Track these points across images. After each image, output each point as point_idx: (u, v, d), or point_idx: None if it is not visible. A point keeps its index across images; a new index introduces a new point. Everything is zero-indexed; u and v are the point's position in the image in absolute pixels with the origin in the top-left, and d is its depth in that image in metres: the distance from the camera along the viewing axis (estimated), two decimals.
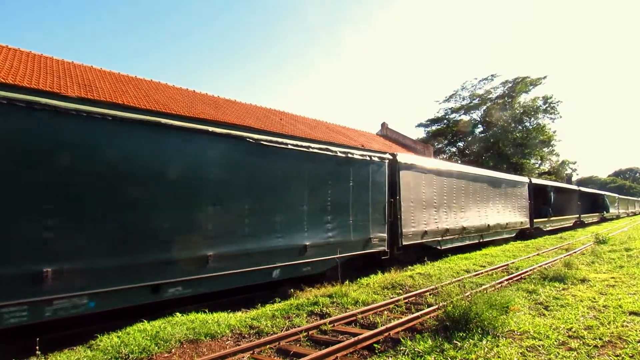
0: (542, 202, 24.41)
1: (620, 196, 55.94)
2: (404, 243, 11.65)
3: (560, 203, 28.41)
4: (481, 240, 16.48)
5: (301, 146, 8.88)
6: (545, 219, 23.87)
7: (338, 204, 9.64)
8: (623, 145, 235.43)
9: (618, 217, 49.55)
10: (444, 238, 13.81)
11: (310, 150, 9.09)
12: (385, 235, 11.02)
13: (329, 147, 9.71)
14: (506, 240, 18.68)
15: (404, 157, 12.39)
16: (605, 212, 39.97)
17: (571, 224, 29.34)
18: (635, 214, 66.91)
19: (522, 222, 20.51)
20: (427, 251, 13.08)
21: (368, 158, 10.71)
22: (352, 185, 10.08)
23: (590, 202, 37.42)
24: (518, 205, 20.25)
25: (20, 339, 5.43)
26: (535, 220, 21.96)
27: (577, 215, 30.93)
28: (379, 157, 11.12)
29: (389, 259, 11.29)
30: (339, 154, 9.85)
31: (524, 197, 21.16)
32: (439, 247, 13.49)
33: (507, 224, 18.63)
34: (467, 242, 15.47)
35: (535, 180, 23.31)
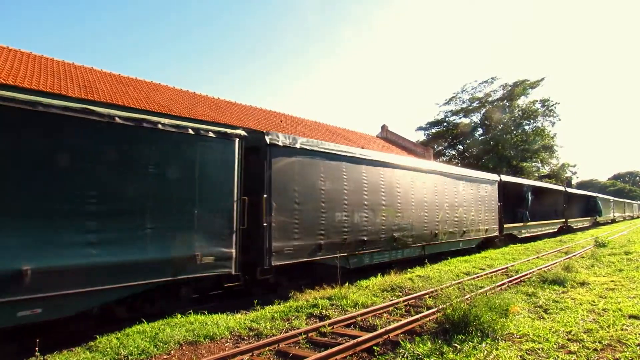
0: (516, 204, 21.39)
1: (616, 199, 52.43)
2: (275, 263, 8.00)
3: (542, 206, 25.75)
4: (424, 254, 12.72)
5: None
6: (520, 224, 20.32)
7: (117, 200, 6.05)
8: (623, 149, 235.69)
9: (613, 221, 46.42)
10: (357, 253, 10.01)
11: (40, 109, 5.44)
12: (233, 251, 7.34)
13: (92, 108, 6.01)
14: (468, 252, 15.40)
15: (280, 137, 8.53)
16: (597, 216, 36.36)
17: (555, 230, 25.86)
18: (633, 218, 63.71)
19: (487, 229, 16.50)
20: (329, 271, 9.27)
21: (192, 133, 7.06)
22: (154, 172, 6.48)
23: (580, 205, 34.11)
24: (484, 208, 16.47)
25: (20, 339, 5.42)
26: (506, 225, 18.38)
27: (563, 220, 27.38)
28: (218, 134, 7.46)
29: (245, 286, 8.11)
30: (118, 121, 6.19)
31: (492, 198, 17.34)
32: (347, 267, 9.77)
33: (465, 231, 14.78)
34: (400, 257, 11.69)
35: (506, 178, 19.66)
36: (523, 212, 21.14)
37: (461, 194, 14.96)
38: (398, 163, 12.11)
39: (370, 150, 11.83)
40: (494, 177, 18.19)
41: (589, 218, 34.69)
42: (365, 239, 10.27)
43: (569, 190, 29.89)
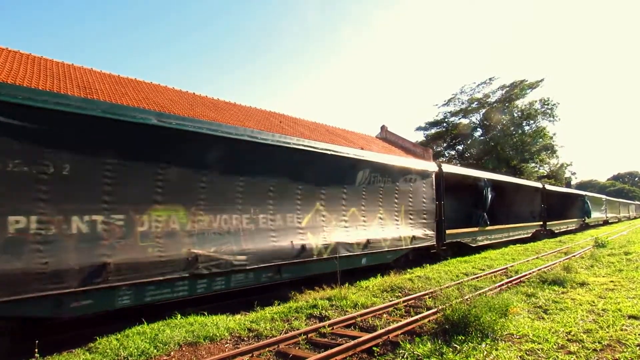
0: (473, 204, 17.61)
1: (609, 198, 48.05)
2: None
3: (513, 206, 22.55)
4: (281, 278, 8.38)
5: None
6: (474, 230, 15.69)
7: (412, 206, 11.90)
8: (623, 149, 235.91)
9: (607, 222, 42.68)
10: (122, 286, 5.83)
11: None
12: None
13: None
14: (383, 269, 11.01)
15: None
16: (586, 218, 32.31)
17: (529, 235, 21.43)
18: (629, 219, 60.04)
19: (415, 237, 12.05)
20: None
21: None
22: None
23: (565, 205, 30.18)
24: (409, 209, 12.10)
25: (20, 341, 5.42)
26: (451, 231, 14.14)
27: (539, 223, 23.14)
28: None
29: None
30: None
31: (426, 194, 12.96)
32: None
33: (370, 241, 10.36)
34: (218, 288, 7.24)
35: (449, 168, 15.12)
36: (480, 213, 16.46)
37: (360, 187, 10.43)
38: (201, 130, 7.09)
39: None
40: (428, 166, 13.65)
41: (576, 220, 30.78)
42: (109, 261, 5.68)
43: (548, 187, 25.51)
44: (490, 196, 17.29)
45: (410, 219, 12.26)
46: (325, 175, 9.57)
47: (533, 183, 24.49)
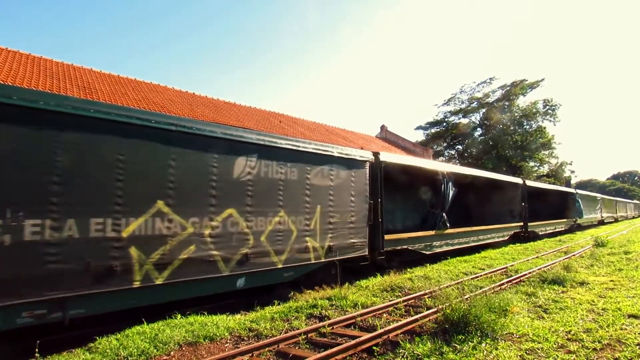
0: (430, 203, 15.13)
1: (605, 197, 44.74)
2: None
3: (487, 205, 20.35)
4: (67, 315, 5.34)
5: None
6: (428, 234, 13.00)
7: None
8: (622, 149, 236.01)
9: (601, 222, 39.43)
10: None
11: None
12: None
13: None
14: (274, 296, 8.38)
15: None
16: (577, 218, 29.08)
17: (505, 238, 18.45)
18: (626, 219, 56.99)
19: (332, 247, 9.18)
20: None
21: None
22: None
23: (553, 204, 27.40)
24: (333, 210, 9.37)
25: (20, 341, 5.42)
26: (392, 237, 11.24)
27: (519, 224, 20.07)
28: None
29: None
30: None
31: (357, 192, 10.11)
32: None
33: (252, 255, 7.51)
34: None
35: (393, 158, 11.98)
36: (437, 214, 13.80)
37: (243, 180, 7.52)
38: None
39: None
40: (358, 154, 10.41)
41: (565, 220, 27.45)
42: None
43: (530, 184, 22.54)
44: (451, 193, 14.09)
45: (330, 222, 9.23)
46: (178, 162, 6.56)
47: (511, 178, 21.07)
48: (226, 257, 7.08)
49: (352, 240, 9.85)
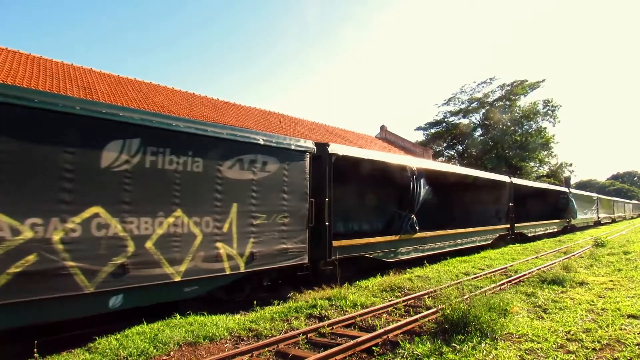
0: (398, 203, 12.80)
1: (602, 196, 42.70)
2: None
3: (471, 205, 19.17)
4: None
5: None
6: (390, 239, 11.20)
7: None
8: (622, 149, 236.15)
9: (598, 223, 37.65)
10: None
11: None
12: None
13: None
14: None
15: None
16: (571, 219, 27.50)
17: (489, 242, 16.72)
18: (625, 219, 55.02)
19: (256, 254, 7.64)
20: None
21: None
22: None
23: (544, 204, 26.08)
24: (257, 210, 7.81)
25: (20, 341, 5.42)
26: (343, 243, 9.62)
27: (505, 226, 18.30)
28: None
29: None
30: None
31: (293, 189, 8.53)
32: None
33: (131, 266, 5.91)
34: None
35: (345, 151, 10.03)
36: (405, 215, 11.89)
37: (115, 171, 5.95)
38: None
39: None
40: (294, 144, 8.70)
41: (558, 221, 25.92)
42: None
43: (518, 182, 20.70)
44: (422, 192, 12.24)
45: (253, 225, 7.62)
46: (10, 146, 4.99)
47: (496, 176, 19.12)
48: (90, 269, 5.47)
49: (285, 246, 8.16)
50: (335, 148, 9.55)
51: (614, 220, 46.43)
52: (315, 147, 9.13)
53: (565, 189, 27.73)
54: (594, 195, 37.11)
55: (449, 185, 16.95)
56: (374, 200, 14.60)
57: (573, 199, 27.16)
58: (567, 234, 26.64)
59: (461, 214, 19.01)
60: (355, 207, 14.08)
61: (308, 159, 8.92)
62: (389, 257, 11.13)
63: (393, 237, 11.28)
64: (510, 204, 18.95)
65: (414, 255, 12.10)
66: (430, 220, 14.30)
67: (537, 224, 22.48)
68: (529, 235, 21.30)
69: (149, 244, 6.13)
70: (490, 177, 18.51)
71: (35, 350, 4.67)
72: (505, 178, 19.26)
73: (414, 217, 11.98)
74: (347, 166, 10.68)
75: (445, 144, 48.27)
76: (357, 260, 10.33)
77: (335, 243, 9.21)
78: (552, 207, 26.37)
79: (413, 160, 13.18)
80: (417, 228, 11.95)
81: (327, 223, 9.01)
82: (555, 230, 25.42)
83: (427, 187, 12.67)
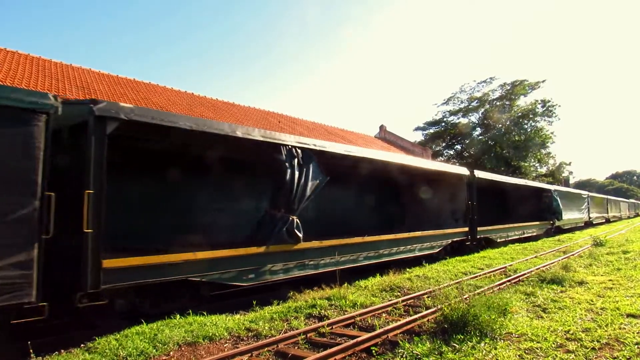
0: (271, 200, 8.96)
1: (594, 194, 39.53)
2: None
3: (425, 203, 15.65)
4: None
5: None
6: (252, 252, 7.65)
7: None
8: (621, 148, 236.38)
9: (589, 224, 34.27)
10: None
11: None
12: None
13: None
14: None
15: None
16: (555, 220, 23.93)
17: (435, 251, 13.16)
18: (620, 219, 51.99)
19: None
20: None
21: None
22: None
23: (522, 203, 22.96)
24: None
25: (19, 341, 5.41)
26: (121, 263, 5.77)
27: (463, 229, 14.97)
28: None
29: None
30: None
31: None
32: None
33: None
34: None
35: (133, 114, 5.99)
36: (280, 217, 8.38)
37: None
38: None
39: None
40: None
41: (538, 223, 22.24)
42: None
43: (482, 175, 16.82)
44: (309, 184, 8.69)
45: None
46: None
47: (450, 167, 16.10)
48: None
49: None
50: (114, 109, 5.81)
51: (607, 221, 43.52)
52: (55, 104, 5.16)
53: (548, 187, 24.82)
54: (584, 192, 34.39)
55: (399, 181, 14.40)
56: (229, 196, 10.46)
57: (558, 198, 24.06)
58: (551, 237, 23.49)
59: (413, 217, 15.88)
60: (198, 207, 9.88)
61: (38, 124, 5.02)
62: (246, 279, 7.60)
63: (253, 250, 7.70)
64: (470, 202, 15.21)
65: (294, 274, 8.46)
66: (372, 225, 11.96)
67: (509, 227, 18.41)
68: (498, 240, 17.44)
69: None
70: (440, 169, 14.70)
71: (31, 350, 4.65)
72: (463, 170, 15.59)
73: (296, 221, 8.39)
74: (138, 141, 7.62)
75: (444, 144, 48.25)
76: (171, 288, 6.80)
77: (110, 263, 5.63)
78: (534, 207, 23.45)
79: (292, 137, 8.76)
80: (301, 235, 8.37)
81: (89, 230, 5.42)
82: (535, 233, 21.71)
83: (320, 178, 9.00)
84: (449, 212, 15.78)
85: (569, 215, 27.17)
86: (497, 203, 21.25)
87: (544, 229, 23.27)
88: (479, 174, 16.51)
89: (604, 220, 41.83)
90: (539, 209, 23.49)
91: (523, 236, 20.08)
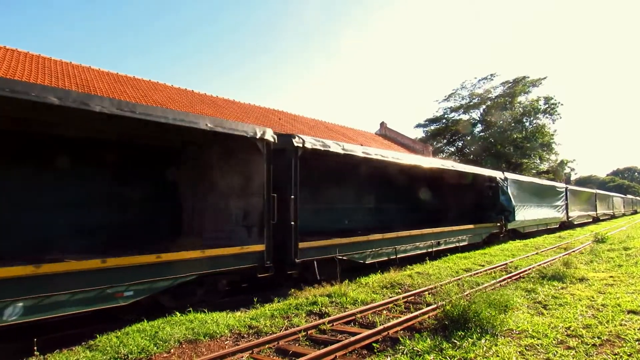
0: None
1: (574, 188, 31.84)
2: None
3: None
4: None
5: None
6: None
7: None
8: (622, 145, 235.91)
9: (567, 225, 27.42)
10: None
11: None
12: None
13: None
14: None
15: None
16: (506, 222, 17.49)
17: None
18: (613, 217, 45.67)
19: None
20: None
21: None
22: None
23: (460, 198, 17.91)
24: None
25: (20, 339, 5.42)
26: None
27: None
28: None
29: None
30: None
31: None
32: None
33: None
34: None
35: None
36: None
37: None
38: None
39: None
40: None
41: (473, 227, 15.70)
42: None
43: (369, 154, 10.81)
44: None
45: None
46: None
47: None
48: None
49: None
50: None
51: (596, 220, 35.99)
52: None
53: (494, 174, 17.41)
54: (561, 185, 27.39)
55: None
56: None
57: (510, 191, 17.56)
58: (495, 245, 16.72)
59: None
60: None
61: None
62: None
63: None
64: (271, 195, 8.11)
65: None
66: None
67: (383, 239, 10.96)
68: (369, 262, 10.49)
69: None
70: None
71: (35, 347, 4.67)
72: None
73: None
74: None
75: (445, 141, 48.13)
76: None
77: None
78: (475, 202, 17.63)
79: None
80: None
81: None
82: (467, 242, 15.04)
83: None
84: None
85: (531, 215, 20.47)
86: (401, 194, 16.37)
87: (487, 234, 16.62)
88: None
89: (591, 220, 34.84)
90: (482, 207, 17.38)
91: (433, 250, 13.02)
